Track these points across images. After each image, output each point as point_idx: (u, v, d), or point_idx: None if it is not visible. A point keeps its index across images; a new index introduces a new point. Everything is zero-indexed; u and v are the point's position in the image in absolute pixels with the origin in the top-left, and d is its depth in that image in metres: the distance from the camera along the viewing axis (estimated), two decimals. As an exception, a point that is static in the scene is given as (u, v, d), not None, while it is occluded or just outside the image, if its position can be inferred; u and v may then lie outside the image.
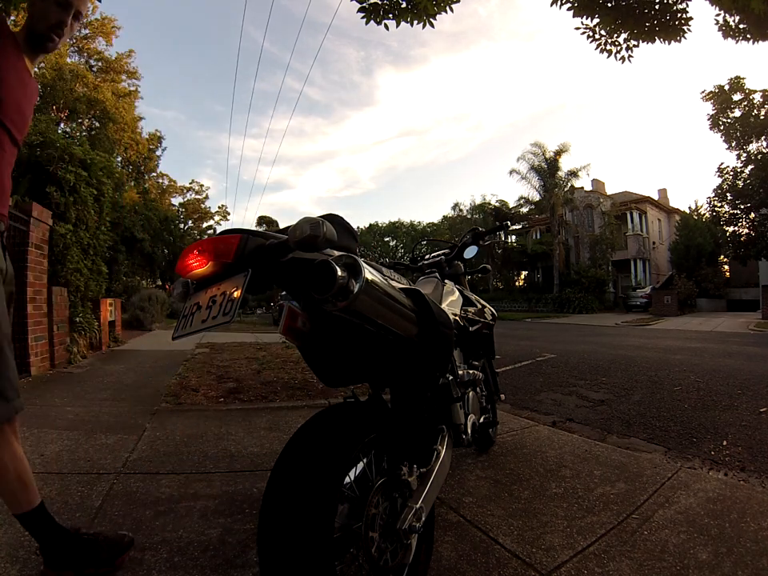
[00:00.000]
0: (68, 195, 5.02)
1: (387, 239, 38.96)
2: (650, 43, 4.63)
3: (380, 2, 4.15)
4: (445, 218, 33.32)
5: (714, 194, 15.92)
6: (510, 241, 28.22)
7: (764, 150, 14.33)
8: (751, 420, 2.78)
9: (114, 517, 1.48)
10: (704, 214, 23.49)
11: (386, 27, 4.22)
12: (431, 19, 4.19)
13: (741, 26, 4.64)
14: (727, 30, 4.75)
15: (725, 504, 1.58)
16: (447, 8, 4.16)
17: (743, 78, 14.19)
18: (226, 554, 1.28)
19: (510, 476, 1.88)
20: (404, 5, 4.13)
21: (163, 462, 2.01)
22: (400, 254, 36.56)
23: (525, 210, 25.55)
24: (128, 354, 5.95)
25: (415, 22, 4.19)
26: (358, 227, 34.48)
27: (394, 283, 1.03)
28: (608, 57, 4.81)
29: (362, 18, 4.19)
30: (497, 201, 27.00)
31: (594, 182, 26.88)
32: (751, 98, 14.22)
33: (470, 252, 2.00)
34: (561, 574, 1.19)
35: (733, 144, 14.81)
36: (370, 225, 39.23)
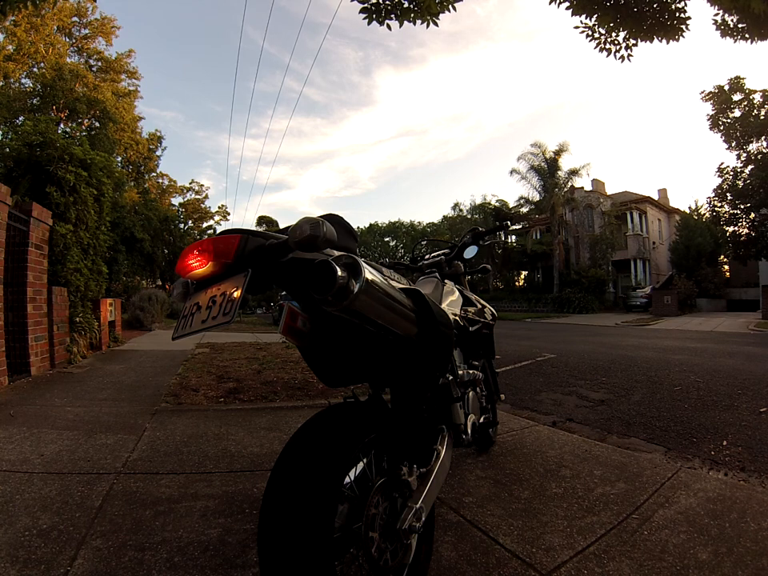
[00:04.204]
0: (68, 195, 5.02)
1: (387, 239, 38.91)
2: (648, 42, 4.64)
3: (382, 2, 4.15)
4: (445, 217, 33.29)
5: (714, 194, 15.89)
6: (510, 241, 28.22)
7: (764, 150, 14.32)
8: (751, 420, 2.78)
9: (113, 517, 1.48)
10: (704, 214, 23.49)
11: (389, 27, 4.22)
12: (434, 18, 4.19)
13: (739, 26, 4.64)
14: (725, 30, 4.76)
15: (725, 504, 1.58)
16: (450, 7, 4.16)
17: (743, 78, 14.20)
18: (226, 553, 1.28)
19: (510, 476, 1.88)
20: (406, 4, 4.13)
21: (163, 462, 2.01)
22: (400, 254, 36.53)
23: (525, 210, 25.51)
24: (128, 353, 5.94)
25: (418, 21, 4.19)
26: (357, 227, 34.54)
27: (393, 283, 1.03)
28: (607, 56, 4.81)
29: (364, 18, 4.19)
30: (497, 201, 27.00)
31: (594, 181, 26.86)
32: (751, 98, 14.22)
33: (470, 252, 2.00)
34: (561, 573, 1.19)
35: (733, 144, 14.80)
36: (370, 225, 39.20)
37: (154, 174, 28.52)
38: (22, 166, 5.02)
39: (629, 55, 4.81)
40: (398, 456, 1.04)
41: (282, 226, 1.32)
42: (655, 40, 4.60)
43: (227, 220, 36.19)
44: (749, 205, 14.81)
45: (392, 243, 38.68)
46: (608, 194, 27.55)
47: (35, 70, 19.66)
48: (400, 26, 4.21)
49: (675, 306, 17.81)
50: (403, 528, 0.95)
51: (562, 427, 2.70)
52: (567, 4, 4.52)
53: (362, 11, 4.18)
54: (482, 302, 2.09)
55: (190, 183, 34.34)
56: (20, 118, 17.24)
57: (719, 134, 14.94)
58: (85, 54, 21.98)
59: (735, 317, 15.71)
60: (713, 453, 2.21)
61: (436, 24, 4.23)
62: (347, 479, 0.87)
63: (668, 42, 4.59)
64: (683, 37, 4.54)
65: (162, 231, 23.57)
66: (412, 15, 4.15)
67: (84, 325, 5.30)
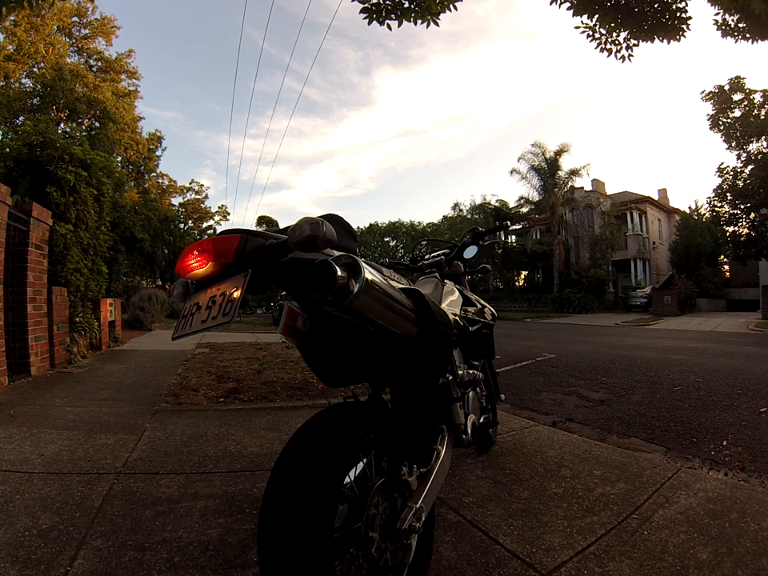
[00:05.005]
0: (68, 195, 5.02)
1: (387, 239, 38.90)
2: (649, 42, 4.64)
3: (382, 2, 4.15)
4: (445, 217, 33.28)
5: (714, 194, 15.89)
6: (510, 241, 28.20)
7: (764, 150, 14.31)
8: (751, 420, 2.78)
9: (113, 517, 1.48)
10: (704, 214, 23.49)
11: (389, 27, 4.22)
12: (434, 18, 4.19)
13: (740, 26, 4.64)
14: (726, 30, 4.76)
15: (725, 504, 1.58)
16: (450, 6, 4.16)
17: (743, 78, 14.20)
18: (226, 553, 1.28)
19: (510, 476, 1.88)
20: (407, 4, 4.12)
21: (163, 462, 2.01)
22: (400, 254, 36.52)
23: (525, 210, 25.51)
24: (128, 353, 5.94)
25: (419, 21, 4.19)
26: (357, 227, 34.53)
27: (393, 283, 1.03)
28: (608, 56, 4.81)
29: (365, 18, 4.18)
30: (497, 201, 26.99)
31: (594, 181, 26.85)
32: (751, 97, 14.22)
33: (470, 252, 2.00)
34: (561, 573, 1.19)
35: (733, 144, 14.80)
36: (370, 225, 39.18)
37: (154, 174, 28.55)
38: (22, 165, 5.02)
39: (629, 55, 4.81)
40: (398, 456, 1.04)
41: (282, 226, 1.32)
42: (656, 40, 4.60)
43: (227, 220, 36.26)
44: (749, 205, 14.80)
45: (392, 243, 38.66)
46: (608, 194, 27.54)
47: (35, 69, 19.66)
48: (399, 26, 4.20)
49: (675, 306, 17.80)
50: (403, 528, 0.95)
51: (561, 427, 2.70)
52: (568, 4, 4.52)
53: (362, 11, 4.18)
54: (482, 302, 2.09)
55: (190, 183, 34.42)
56: (20, 118, 17.25)
57: (719, 134, 14.94)
58: (85, 54, 21.98)
59: (735, 317, 15.71)
60: (713, 453, 2.21)
61: (437, 24, 4.23)
62: (347, 479, 0.87)
63: (669, 42, 4.59)
64: (684, 37, 4.54)
65: (162, 231, 23.57)
66: (412, 15, 4.15)
67: (84, 325, 5.30)
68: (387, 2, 4.15)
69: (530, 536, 1.38)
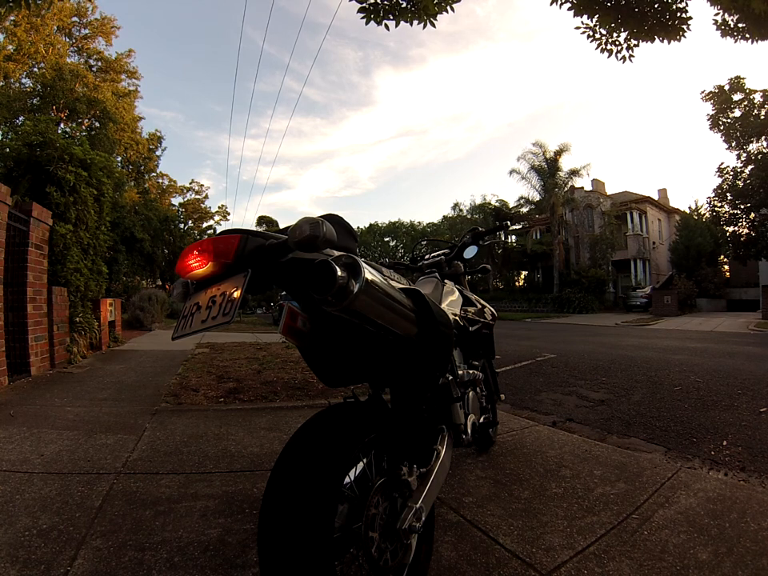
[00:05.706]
0: (68, 195, 5.02)
1: (387, 239, 38.89)
2: (649, 42, 4.64)
3: (380, 2, 4.15)
4: (445, 217, 33.27)
5: (714, 194, 15.89)
6: (509, 241, 28.22)
7: (764, 150, 14.31)
8: (751, 420, 2.78)
9: (113, 517, 1.48)
10: (704, 214, 23.50)
11: (387, 27, 4.22)
12: (432, 19, 4.19)
13: (740, 25, 4.64)
14: (726, 30, 4.76)
15: (725, 504, 1.58)
16: (448, 7, 4.16)
17: (743, 78, 14.21)
18: (226, 553, 1.28)
19: (510, 476, 1.88)
20: (404, 5, 4.13)
21: (163, 462, 2.01)
22: (400, 254, 36.51)
23: (525, 210, 25.51)
24: (128, 353, 5.94)
25: (415, 21, 4.19)
26: (357, 227, 34.54)
27: (393, 283, 1.03)
28: (608, 56, 4.81)
29: (362, 18, 4.18)
30: (497, 201, 26.98)
31: (594, 181, 26.85)
32: (751, 97, 14.22)
33: (470, 252, 2.00)
34: (561, 573, 1.19)
35: (733, 144, 14.80)
36: (370, 225, 39.15)
37: (154, 174, 28.54)
38: (22, 166, 5.02)
39: (630, 56, 4.80)
40: (398, 456, 1.04)
41: (282, 226, 1.33)
42: (656, 40, 4.60)
43: (227, 220, 36.27)
44: (749, 205, 14.80)
45: (392, 243, 38.64)
46: (608, 194, 27.54)
47: (35, 70, 19.67)
48: (396, 26, 4.20)
49: (675, 306, 17.80)
50: (403, 528, 0.95)
51: (561, 427, 2.70)
52: (569, 5, 4.52)
53: (359, 11, 4.18)
54: (482, 302, 2.09)
55: (190, 183, 34.43)
56: (20, 118, 17.25)
57: (719, 134, 14.95)
58: (85, 54, 21.98)
59: (735, 317, 15.71)
60: (713, 453, 2.21)
61: (433, 25, 4.23)
62: (347, 479, 0.87)
63: (669, 43, 4.59)
64: (684, 37, 4.54)
65: (162, 231, 23.57)
66: (409, 15, 4.15)
67: (84, 325, 5.30)
68: (384, 2, 4.15)
69: (530, 536, 1.38)
